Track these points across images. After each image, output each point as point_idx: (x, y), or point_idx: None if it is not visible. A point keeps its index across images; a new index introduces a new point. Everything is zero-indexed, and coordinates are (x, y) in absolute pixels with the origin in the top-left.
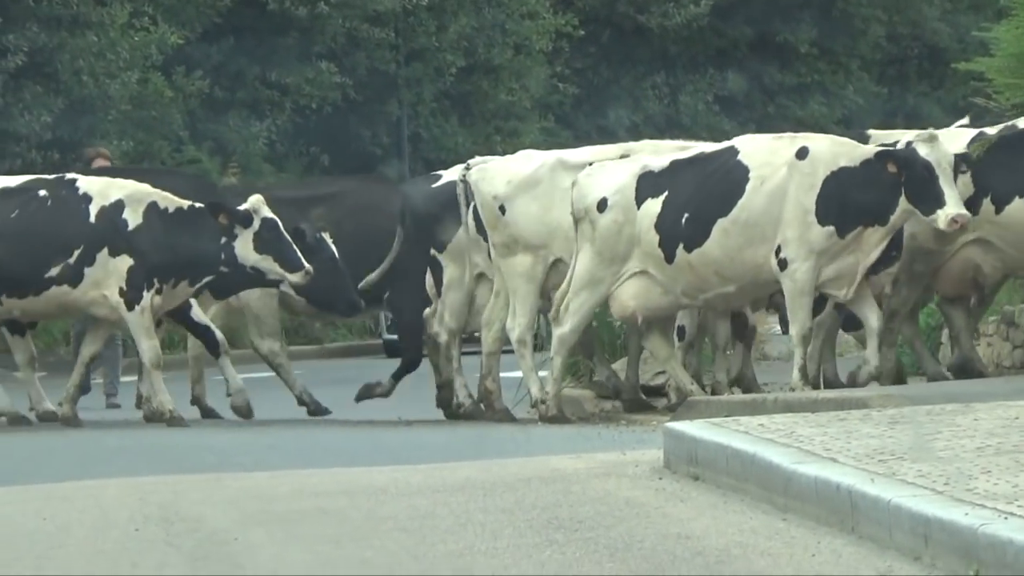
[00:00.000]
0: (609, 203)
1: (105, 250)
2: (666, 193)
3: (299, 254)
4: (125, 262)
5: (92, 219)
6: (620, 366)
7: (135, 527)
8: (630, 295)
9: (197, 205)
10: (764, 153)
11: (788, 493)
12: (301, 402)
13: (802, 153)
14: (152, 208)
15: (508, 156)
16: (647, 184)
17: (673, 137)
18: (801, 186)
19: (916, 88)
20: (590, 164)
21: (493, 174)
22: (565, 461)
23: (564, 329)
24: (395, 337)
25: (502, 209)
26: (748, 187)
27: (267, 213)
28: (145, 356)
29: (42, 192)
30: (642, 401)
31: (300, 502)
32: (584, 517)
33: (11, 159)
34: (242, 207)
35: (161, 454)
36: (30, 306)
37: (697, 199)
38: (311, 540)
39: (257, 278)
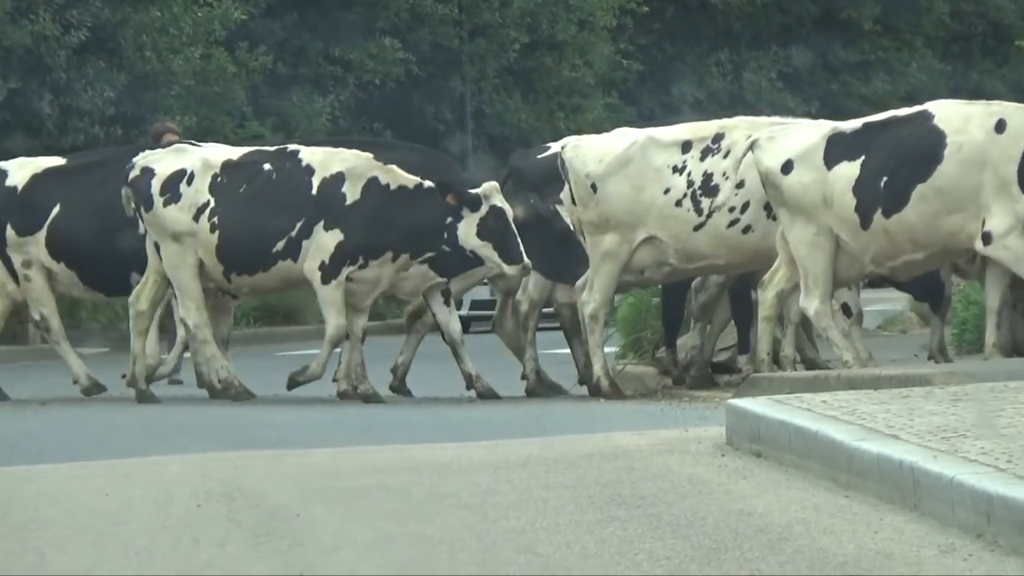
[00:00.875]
0: (795, 165)
1: (321, 223)
2: (863, 156)
3: (521, 247)
4: (335, 237)
5: (314, 191)
6: (682, 342)
7: (197, 503)
8: None
9: (425, 184)
10: (959, 119)
11: (851, 470)
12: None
13: (1000, 125)
14: (373, 183)
15: (604, 134)
16: (839, 146)
17: (737, 113)
18: (1001, 157)
19: (980, 65)
20: (684, 142)
21: (586, 152)
22: (627, 438)
23: (817, 303)
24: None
25: (594, 187)
26: (945, 153)
27: (497, 201)
28: (331, 332)
29: (267, 166)
30: (710, 377)
31: (362, 479)
32: (646, 494)
33: (74, 135)
34: (474, 191)
35: (223, 431)
36: (260, 282)
37: (894, 163)
38: (373, 516)
39: (474, 262)
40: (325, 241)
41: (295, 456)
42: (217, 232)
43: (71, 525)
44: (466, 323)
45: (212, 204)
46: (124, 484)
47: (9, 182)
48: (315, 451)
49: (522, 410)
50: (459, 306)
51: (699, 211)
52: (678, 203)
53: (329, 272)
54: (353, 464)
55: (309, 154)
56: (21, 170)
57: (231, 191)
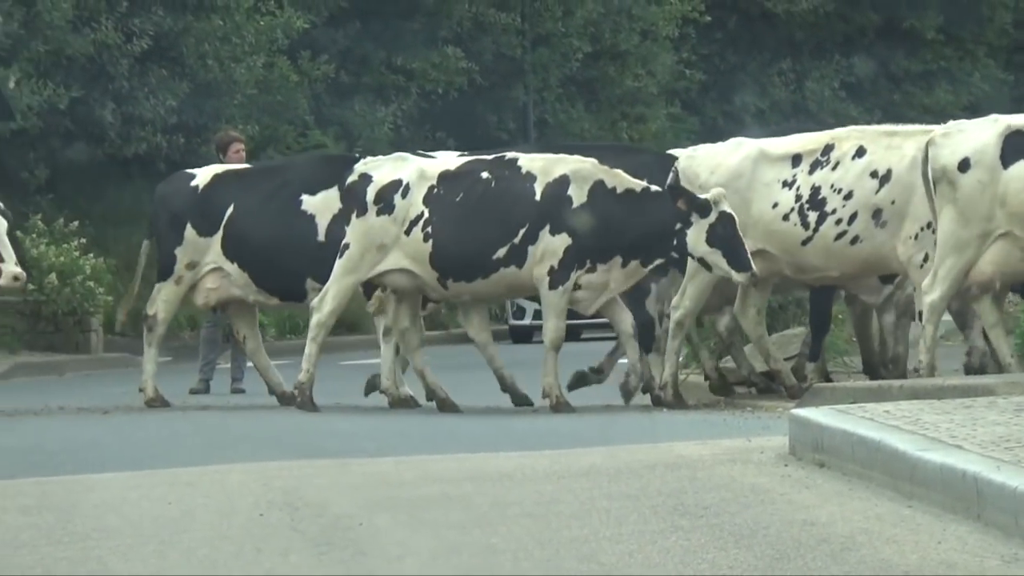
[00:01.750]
0: (972, 162)
1: (547, 227)
2: None
3: (748, 254)
4: (564, 241)
5: (537, 197)
6: (747, 352)
7: (259, 512)
8: (988, 260)
9: (652, 188)
10: None
11: (913, 480)
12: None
13: None
14: (599, 187)
15: (719, 143)
16: (1016, 144)
17: (800, 122)
18: None
19: None
20: (794, 156)
21: (700, 162)
22: (690, 447)
23: (934, 296)
24: (521, 323)
25: None
26: None
27: (726, 207)
28: (548, 336)
29: (485, 174)
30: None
31: (425, 488)
32: (709, 503)
33: (136, 143)
34: (703, 196)
35: (286, 440)
36: (479, 288)
37: None
38: (436, 526)
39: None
40: (553, 245)
41: (358, 465)
42: (431, 241)
43: (133, 534)
44: (529, 332)
45: (426, 215)
46: (186, 493)
47: (194, 183)
48: (378, 460)
49: (585, 420)
50: (522, 316)
51: (806, 225)
52: (785, 217)
53: (558, 277)
54: (416, 473)
55: (528, 161)
56: (207, 172)
57: (447, 200)
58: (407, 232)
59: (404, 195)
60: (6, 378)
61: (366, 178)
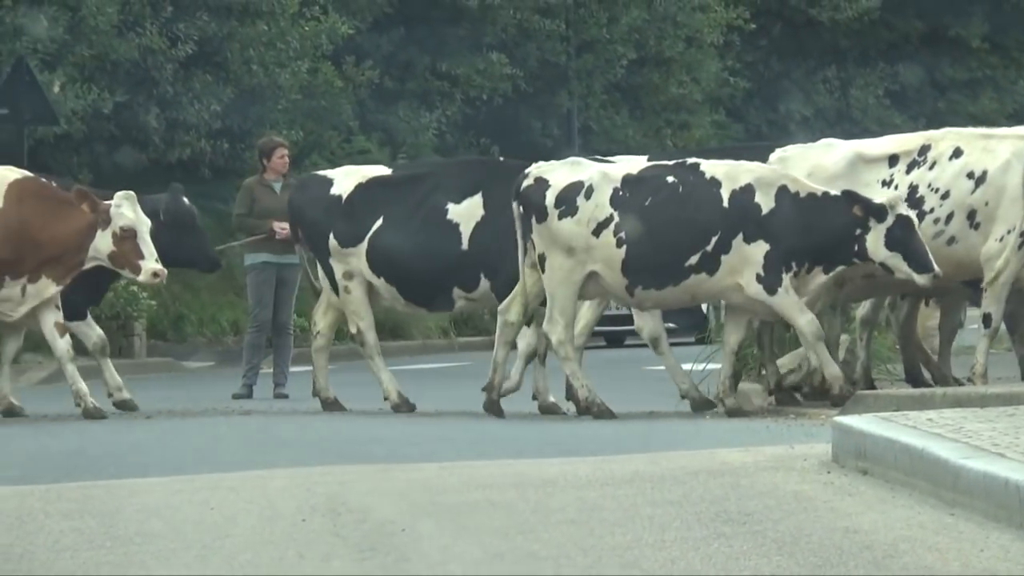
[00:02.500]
0: None
1: (740, 236)
2: None
3: (929, 255)
4: (761, 248)
5: (725, 204)
6: (789, 360)
7: (302, 518)
8: None
9: (832, 192)
10: None
11: (956, 488)
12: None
13: None
14: (783, 191)
15: (809, 144)
16: None
17: (845, 130)
18: None
19: None
20: (891, 156)
21: (793, 163)
22: (733, 454)
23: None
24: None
25: None
26: None
27: (903, 210)
28: (805, 330)
29: (670, 178)
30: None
31: (468, 494)
32: (752, 510)
33: (181, 148)
34: (879, 201)
35: (329, 445)
36: (666, 297)
37: None
38: (479, 532)
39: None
40: (751, 254)
41: (401, 471)
42: (624, 247)
43: (176, 539)
44: (619, 337)
45: (616, 219)
46: (229, 498)
47: (334, 190)
48: (421, 466)
49: (628, 426)
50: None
51: None
52: None
53: (770, 282)
54: (459, 479)
55: (711, 167)
56: (347, 179)
57: (635, 205)
58: (596, 234)
59: (587, 196)
60: (49, 383)
61: (542, 182)
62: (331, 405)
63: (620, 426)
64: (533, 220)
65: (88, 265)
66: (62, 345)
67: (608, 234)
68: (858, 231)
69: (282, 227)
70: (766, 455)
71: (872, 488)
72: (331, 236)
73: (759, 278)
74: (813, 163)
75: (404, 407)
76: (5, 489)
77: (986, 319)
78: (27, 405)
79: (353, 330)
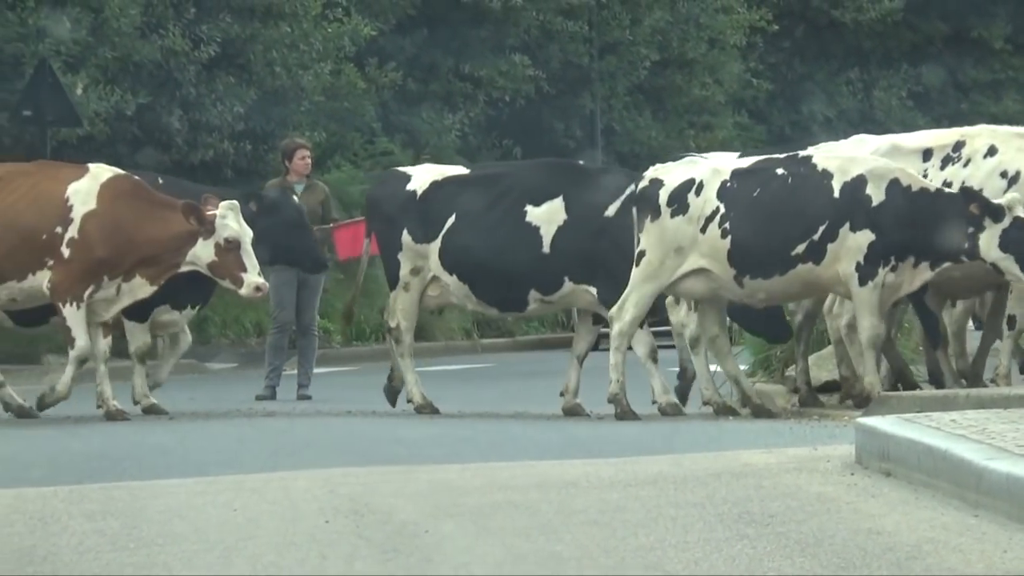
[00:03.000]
0: None
1: (847, 224)
2: None
3: None
4: (866, 237)
5: (836, 194)
6: (812, 361)
7: (325, 519)
8: None
9: (945, 189)
10: None
11: (980, 489)
12: None
13: None
14: (895, 184)
15: (841, 141)
16: None
17: (868, 131)
18: None
19: None
20: (925, 150)
21: None
22: (756, 456)
23: None
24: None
25: None
26: None
27: (1021, 212)
28: (864, 334)
29: (779, 170)
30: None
31: (491, 495)
32: (775, 512)
33: (204, 150)
34: (997, 201)
35: (352, 446)
36: (775, 286)
37: None
38: (502, 533)
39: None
40: (856, 242)
41: (424, 472)
42: (729, 237)
43: (199, 540)
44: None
45: (722, 210)
46: (252, 499)
47: (410, 186)
48: (444, 467)
49: (651, 428)
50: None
51: None
52: None
53: (866, 273)
54: (482, 481)
55: (823, 159)
56: (424, 175)
57: (743, 196)
58: (703, 230)
59: (697, 193)
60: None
61: (657, 183)
62: (424, 407)
63: (643, 427)
64: (647, 220)
65: (183, 269)
66: (100, 345)
67: (714, 226)
68: (971, 229)
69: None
70: (789, 456)
71: (895, 489)
72: (404, 232)
73: (858, 266)
74: None
75: (427, 409)
76: (28, 490)
77: (1011, 320)
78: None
79: (392, 324)
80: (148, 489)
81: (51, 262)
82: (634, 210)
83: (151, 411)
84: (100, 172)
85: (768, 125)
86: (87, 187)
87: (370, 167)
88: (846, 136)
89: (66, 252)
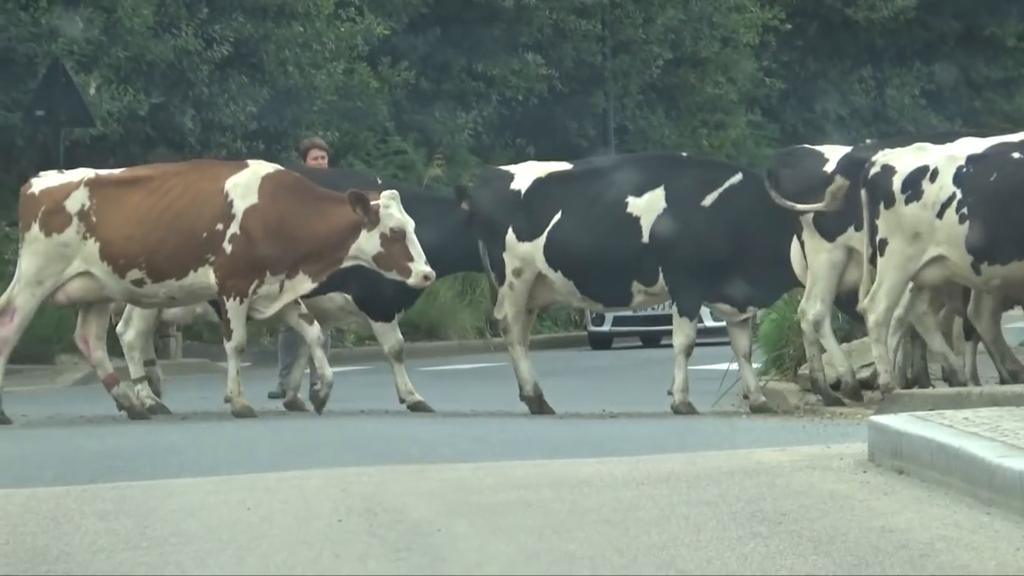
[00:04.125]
0: None
1: None
2: None
3: None
4: None
5: None
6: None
7: (338, 518)
8: None
9: None
10: None
11: (992, 487)
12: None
13: None
14: None
15: (901, 148)
16: None
17: (880, 130)
18: None
19: None
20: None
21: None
22: (769, 454)
23: None
24: (600, 329)
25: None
26: None
27: None
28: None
29: (1016, 154)
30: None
31: (504, 494)
32: (788, 510)
33: (216, 149)
34: None
35: (365, 445)
36: (1013, 272)
37: None
38: (514, 532)
39: None
40: None
41: (437, 471)
42: (966, 223)
43: (211, 539)
44: (608, 339)
45: (958, 197)
46: (265, 498)
47: (514, 185)
48: (457, 466)
49: (664, 426)
50: (601, 322)
51: None
52: None
53: None
54: (495, 479)
55: None
56: (527, 174)
57: (979, 182)
58: (939, 216)
59: (932, 179)
60: (85, 383)
61: (889, 169)
62: (537, 403)
63: (656, 426)
64: (881, 206)
65: (346, 264)
66: (313, 331)
67: (951, 212)
68: None
69: None
70: (802, 455)
71: (908, 487)
72: (509, 230)
73: None
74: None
75: (535, 403)
76: (41, 490)
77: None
78: (63, 406)
79: (499, 316)
80: (161, 488)
81: (212, 258)
82: (863, 194)
83: (417, 408)
84: (260, 167)
85: (781, 123)
86: (247, 181)
87: (383, 166)
88: (859, 134)
89: (229, 248)
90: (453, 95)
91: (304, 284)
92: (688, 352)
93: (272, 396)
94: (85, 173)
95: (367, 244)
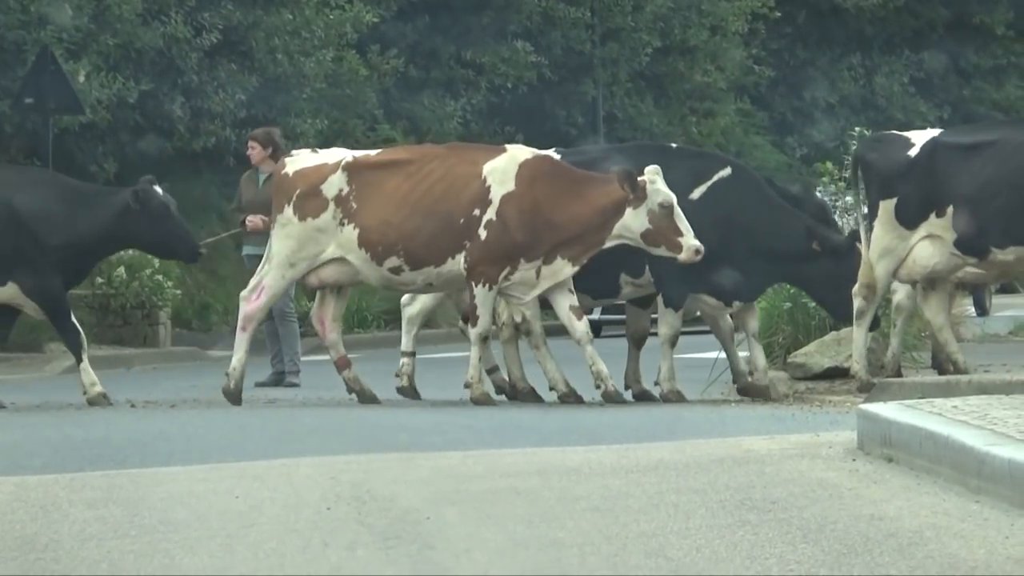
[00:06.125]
0: None
1: None
2: None
3: None
4: None
5: None
6: (815, 347)
7: (327, 506)
8: None
9: None
10: None
11: (981, 475)
12: None
13: None
14: None
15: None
16: None
17: (870, 118)
18: None
19: None
20: None
21: None
22: (758, 442)
23: None
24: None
25: None
26: None
27: None
28: None
29: None
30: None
31: (493, 482)
32: (777, 498)
33: (205, 137)
34: None
35: (354, 433)
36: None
37: None
38: (504, 520)
39: None
40: None
41: (426, 459)
42: None
43: (200, 527)
44: (596, 327)
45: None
46: (254, 486)
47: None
48: (446, 454)
49: (654, 414)
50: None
51: None
52: None
53: None
54: (484, 467)
55: None
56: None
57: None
58: None
59: None
60: (74, 371)
61: None
62: (528, 395)
63: (645, 414)
64: None
65: (609, 244)
66: (580, 327)
67: None
68: None
69: (251, 220)
70: (791, 443)
71: (897, 476)
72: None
73: None
74: None
75: (571, 398)
76: (30, 478)
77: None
78: (52, 394)
79: (518, 319)
80: (150, 476)
81: (469, 244)
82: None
83: (566, 399)
84: (518, 152)
85: (770, 111)
86: (504, 167)
87: None
88: (848, 122)
89: (483, 233)
90: (442, 83)
91: (564, 269)
92: (673, 342)
93: (259, 385)
94: (342, 155)
95: (634, 222)
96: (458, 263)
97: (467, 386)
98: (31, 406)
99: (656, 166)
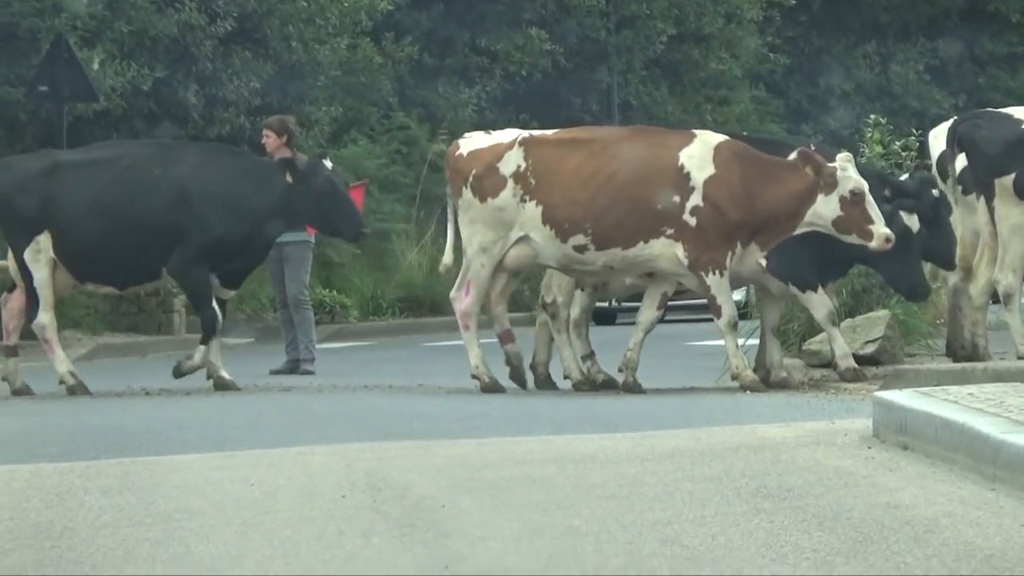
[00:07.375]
0: None
1: None
2: None
3: None
4: None
5: None
6: (821, 338)
7: (342, 494)
8: None
9: None
10: None
11: (997, 463)
12: None
13: None
14: None
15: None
16: None
17: (885, 105)
18: None
19: None
20: None
21: None
22: (774, 430)
23: None
24: (603, 305)
25: None
26: None
27: None
28: None
29: None
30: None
31: (508, 470)
32: (792, 486)
33: (220, 125)
34: None
35: (369, 421)
36: None
37: None
38: (519, 508)
39: None
40: None
41: (441, 447)
42: None
43: (216, 515)
44: (612, 316)
45: None
46: (269, 474)
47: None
48: (461, 442)
49: (668, 402)
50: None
51: None
52: None
53: None
54: (499, 455)
55: None
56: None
57: None
58: None
59: None
60: (89, 359)
61: None
62: (544, 382)
63: (660, 402)
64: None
65: (799, 231)
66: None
67: None
68: None
69: None
70: (807, 430)
71: (913, 463)
72: None
73: None
74: None
75: (586, 386)
76: (45, 466)
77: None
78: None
79: (548, 300)
80: (165, 464)
81: (670, 231)
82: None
83: (582, 387)
84: (709, 137)
85: (785, 99)
86: (700, 152)
87: (386, 142)
88: (864, 109)
89: (692, 221)
90: (456, 70)
91: (753, 255)
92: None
93: (274, 373)
94: (518, 133)
95: (825, 208)
96: (650, 249)
97: (734, 377)
98: (46, 393)
99: (848, 154)
